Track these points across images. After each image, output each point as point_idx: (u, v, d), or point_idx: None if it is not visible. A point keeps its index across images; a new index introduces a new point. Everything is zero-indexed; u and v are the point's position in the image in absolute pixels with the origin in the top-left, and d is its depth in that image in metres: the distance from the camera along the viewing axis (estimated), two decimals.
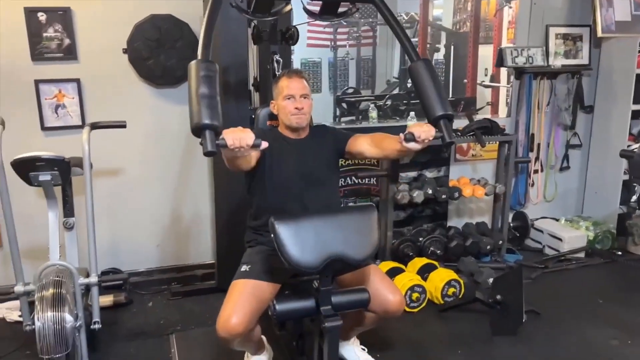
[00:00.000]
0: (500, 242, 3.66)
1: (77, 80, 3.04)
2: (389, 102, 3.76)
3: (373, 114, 3.69)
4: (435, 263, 3.30)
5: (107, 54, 3.06)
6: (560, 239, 3.85)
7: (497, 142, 3.71)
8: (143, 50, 3.06)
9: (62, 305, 2.11)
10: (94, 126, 2.52)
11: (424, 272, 3.21)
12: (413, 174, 3.78)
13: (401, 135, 1.94)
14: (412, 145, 1.94)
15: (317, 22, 3.19)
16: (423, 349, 2.66)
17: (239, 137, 1.71)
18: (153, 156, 3.28)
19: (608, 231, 3.95)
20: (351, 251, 1.90)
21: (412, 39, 3.72)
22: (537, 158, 4.13)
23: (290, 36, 2.48)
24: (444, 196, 3.49)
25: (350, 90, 3.70)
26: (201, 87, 1.70)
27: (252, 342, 2.18)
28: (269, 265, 2.11)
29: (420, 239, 3.54)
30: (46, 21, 2.93)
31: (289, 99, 2.20)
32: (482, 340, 2.74)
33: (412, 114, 3.47)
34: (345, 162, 3.50)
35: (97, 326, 2.39)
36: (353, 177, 3.66)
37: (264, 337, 2.37)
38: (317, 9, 2.43)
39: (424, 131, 1.90)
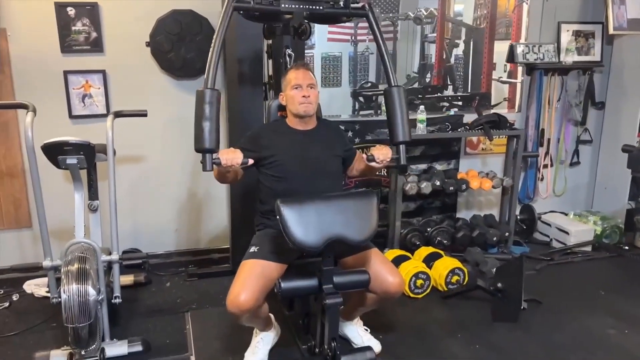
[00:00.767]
0: (507, 234, 3.75)
1: (103, 72, 3.21)
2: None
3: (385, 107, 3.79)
4: (441, 252, 3.41)
5: (131, 47, 3.22)
6: (567, 233, 3.92)
7: (506, 137, 3.79)
8: (165, 44, 3.21)
9: (86, 280, 2.28)
10: (117, 115, 2.68)
11: (430, 260, 3.32)
12: (423, 166, 3.89)
13: (364, 155, 2.33)
14: (374, 165, 2.31)
15: None
16: (424, 332, 2.78)
17: (230, 158, 2.10)
18: (172, 144, 3.44)
19: (616, 226, 4.01)
20: (351, 233, 2.04)
21: (431, 34, 3.83)
22: (547, 153, 4.19)
23: (302, 32, 2.61)
24: (451, 188, 3.59)
25: (368, 85, 3.80)
26: (205, 114, 2.09)
27: (259, 318, 2.33)
28: (276, 246, 2.26)
29: (429, 229, 3.66)
30: (75, 15, 3.10)
31: (296, 88, 2.34)
32: (483, 325, 2.85)
33: (421, 107, 3.57)
34: None
35: (117, 300, 2.56)
36: None
37: (272, 315, 2.51)
38: None
39: (382, 154, 2.28)
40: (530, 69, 3.96)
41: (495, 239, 3.70)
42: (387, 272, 2.27)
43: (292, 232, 1.99)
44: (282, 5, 2.36)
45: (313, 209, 2.04)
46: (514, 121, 3.91)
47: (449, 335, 2.76)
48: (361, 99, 3.80)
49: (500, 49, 3.96)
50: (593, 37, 4.06)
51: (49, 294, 3.11)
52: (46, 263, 2.44)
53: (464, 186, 3.61)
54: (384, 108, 3.75)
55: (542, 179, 4.25)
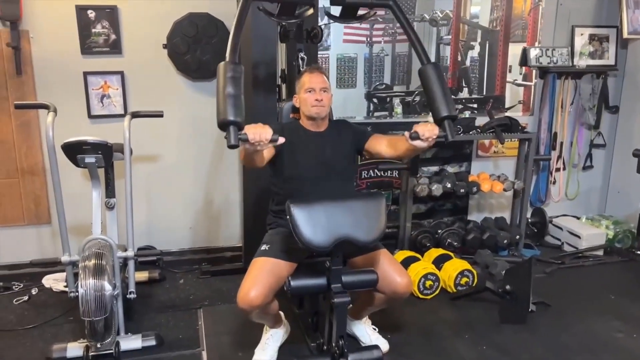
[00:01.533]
0: (518, 236, 3.76)
1: (121, 73, 3.30)
2: (417, 98, 3.88)
3: (398, 109, 3.84)
4: (451, 254, 3.44)
5: (149, 49, 3.30)
6: (578, 236, 3.92)
7: (518, 140, 3.81)
8: (181, 46, 3.29)
9: (102, 275, 2.37)
10: (135, 115, 2.76)
11: (439, 262, 3.35)
12: (435, 168, 3.92)
13: (406, 133, 2.11)
14: (418, 143, 2.11)
15: None
16: (432, 332, 2.81)
17: (259, 132, 1.89)
18: (188, 144, 3.51)
19: (628, 230, 4.00)
20: (359, 234, 2.09)
21: (447, 36, 3.86)
22: (559, 156, 4.19)
23: (314, 35, 2.66)
24: (462, 190, 3.61)
25: (382, 86, 3.83)
26: (228, 86, 1.90)
27: (269, 315, 2.38)
28: (286, 245, 2.31)
29: (439, 231, 3.69)
30: (95, 18, 3.19)
31: (310, 92, 2.38)
32: (490, 327, 2.87)
33: None
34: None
35: (132, 296, 2.64)
36: (375, 170, 3.82)
37: (281, 313, 2.57)
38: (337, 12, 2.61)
39: (428, 130, 2.08)
40: (543, 72, 3.97)
41: (505, 241, 3.71)
42: (396, 272, 2.31)
43: (301, 232, 2.04)
44: None
45: (322, 210, 2.09)
46: (526, 124, 3.92)
47: (456, 336, 2.79)
48: (375, 100, 3.83)
49: (516, 51, 3.96)
50: (607, 41, 4.05)
51: (66, 289, 3.22)
52: (64, 258, 2.52)
53: (475, 189, 3.64)
54: (397, 110, 3.87)
55: (554, 183, 4.25)
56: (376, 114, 3.84)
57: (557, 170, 4.23)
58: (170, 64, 3.35)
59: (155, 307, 3.06)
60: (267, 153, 2.27)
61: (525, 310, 2.86)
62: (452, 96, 3.93)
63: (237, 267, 3.51)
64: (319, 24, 2.70)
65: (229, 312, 2.99)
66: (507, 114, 3.96)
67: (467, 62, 3.94)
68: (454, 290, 3.22)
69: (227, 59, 1.98)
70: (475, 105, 3.99)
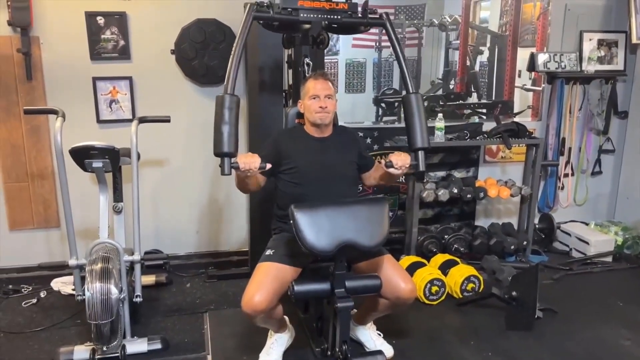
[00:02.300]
0: (525, 242, 3.74)
1: (130, 78, 3.33)
2: (425, 103, 3.87)
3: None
4: (457, 259, 3.43)
5: (157, 55, 3.33)
6: (587, 242, 3.89)
7: (525, 145, 3.79)
8: (189, 51, 3.32)
9: (109, 278, 2.39)
10: (142, 120, 2.79)
11: (445, 267, 3.34)
12: (442, 173, 3.92)
13: (382, 161, 2.34)
14: (392, 171, 2.32)
15: None
16: (437, 338, 2.81)
17: (248, 162, 2.13)
18: (195, 149, 3.53)
19: (638, 236, 3.96)
20: (362, 239, 2.10)
21: (455, 41, 3.85)
22: (567, 162, 4.17)
23: (321, 41, 2.68)
24: (469, 195, 3.61)
25: (390, 91, 3.83)
26: (224, 118, 2.14)
27: (273, 319, 2.38)
28: (291, 250, 2.32)
29: (446, 236, 3.68)
30: (104, 24, 3.23)
31: (314, 98, 2.39)
32: (495, 333, 2.86)
33: (440, 115, 3.60)
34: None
35: (138, 299, 2.66)
36: None
37: (286, 318, 2.57)
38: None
39: (401, 159, 2.29)
40: (551, 77, 3.96)
41: (513, 247, 3.70)
42: (400, 278, 2.31)
43: (305, 237, 2.06)
44: (301, 15, 2.43)
45: (325, 215, 2.10)
46: (533, 130, 3.90)
47: (462, 342, 2.78)
48: (383, 105, 3.83)
49: (525, 56, 3.94)
50: (616, 46, 4.03)
51: (74, 292, 3.26)
52: (72, 262, 2.55)
53: (481, 194, 3.63)
54: (402, 115, 3.86)
55: (562, 188, 4.23)
56: (385, 118, 3.84)
57: (566, 175, 4.20)
58: (178, 70, 3.38)
59: (162, 311, 3.08)
60: (261, 179, 2.39)
61: (532, 317, 2.85)
62: (461, 101, 3.94)
63: (244, 271, 3.53)
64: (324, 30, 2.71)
65: (234, 316, 3.00)
66: (516, 119, 3.95)
67: (477, 67, 3.93)
68: (460, 296, 3.21)
69: (225, 91, 2.18)
70: (484, 110, 3.98)
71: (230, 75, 2.22)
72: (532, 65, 3.89)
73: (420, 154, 2.41)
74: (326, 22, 2.51)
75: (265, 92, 3.19)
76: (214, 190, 3.65)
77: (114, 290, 2.40)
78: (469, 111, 3.96)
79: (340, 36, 3.57)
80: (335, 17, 2.49)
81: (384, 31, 3.64)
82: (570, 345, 2.75)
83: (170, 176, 3.54)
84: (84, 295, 2.40)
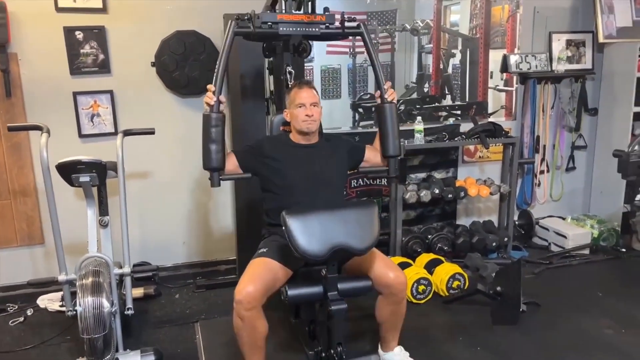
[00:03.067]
0: (506, 239, 3.84)
1: (111, 92, 3.33)
2: (402, 107, 3.96)
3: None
4: (442, 258, 3.51)
5: (137, 67, 3.35)
6: (565, 237, 4.02)
7: (502, 144, 3.90)
8: (169, 63, 3.33)
9: (100, 292, 2.38)
10: (127, 133, 2.79)
11: (431, 266, 3.42)
12: (422, 175, 4.00)
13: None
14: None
15: None
16: (426, 336, 2.87)
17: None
18: (179, 160, 3.55)
19: (613, 229, 4.10)
20: (354, 242, 2.14)
21: (428, 45, 3.94)
22: (543, 159, 4.30)
23: (303, 49, 2.73)
24: (450, 195, 3.69)
25: (367, 96, 3.90)
26: (211, 136, 2.35)
27: (257, 333, 2.23)
28: (283, 252, 2.33)
29: (429, 236, 3.76)
30: (83, 39, 3.23)
31: (300, 107, 2.44)
32: (483, 328, 2.93)
33: (419, 118, 3.69)
34: None
35: (130, 312, 2.65)
36: (365, 179, 3.89)
37: None
38: None
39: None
40: (523, 78, 4.08)
41: (494, 244, 3.79)
42: (387, 268, 2.34)
43: (297, 242, 2.09)
44: (281, 29, 2.46)
45: (317, 220, 2.14)
46: (509, 129, 4.02)
47: (451, 338, 2.85)
48: (360, 110, 3.89)
49: (497, 57, 4.07)
50: (584, 46, 4.18)
51: (62, 308, 3.23)
52: (61, 277, 2.54)
53: (462, 193, 3.72)
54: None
55: (539, 185, 4.36)
56: (362, 123, 3.90)
57: (542, 172, 4.33)
58: (159, 82, 3.40)
59: (152, 323, 3.08)
60: (231, 166, 2.52)
61: (517, 311, 2.93)
62: (436, 104, 4.02)
63: (232, 279, 3.53)
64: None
65: (226, 324, 2.96)
66: (491, 119, 4.06)
67: (449, 70, 4.03)
68: (446, 294, 3.28)
69: (209, 110, 2.36)
70: (458, 112, 4.08)
71: (215, 92, 2.35)
72: (504, 67, 4.01)
73: (392, 160, 2.59)
74: (305, 34, 2.56)
75: (247, 100, 3.22)
76: (198, 200, 3.66)
77: (106, 304, 2.39)
78: (445, 113, 4.05)
79: (315, 43, 3.62)
80: (314, 29, 2.53)
81: (357, 37, 3.79)
82: (556, 336, 2.84)
83: (154, 188, 3.54)
84: (75, 310, 2.39)
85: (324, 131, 2.73)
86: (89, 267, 2.49)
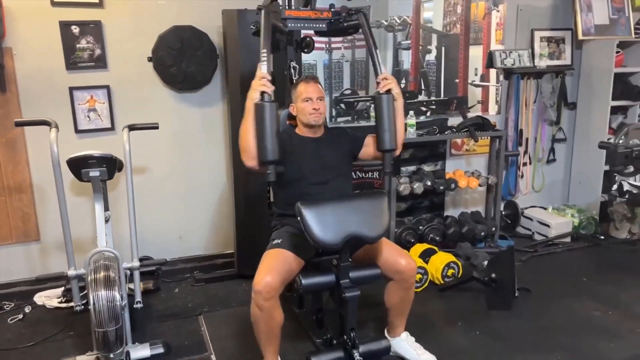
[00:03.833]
0: (494, 228, 3.99)
1: (107, 87, 3.32)
2: None
3: (374, 113, 3.97)
4: (435, 248, 3.62)
5: (134, 62, 3.34)
6: (548, 226, 4.19)
7: (489, 137, 4.04)
8: (166, 59, 3.34)
9: (113, 286, 2.40)
10: (132, 128, 2.81)
11: (425, 256, 3.53)
12: (412, 168, 4.10)
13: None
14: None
15: None
16: (427, 322, 2.97)
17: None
18: (176, 154, 3.56)
19: (591, 217, 4.30)
20: (366, 230, 2.23)
21: (405, 41, 4.02)
22: (525, 152, 4.46)
23: (307, 45, 2.79)
24: (441, 187, 3.81)
25: (348, 92, 3.95)
26: (268, 126, 2.21)
27: (274, 322, 2.28)
28: (295, 242, 2.40)
29: (421, 227, 3.87)
30: (79, 33, 3.21)
31: (307, 101, 2.50)
32: (479, 314, 3.06)
33: (411, 112, 3.79)
34: None
35: (139, 305, 2.68)
36: (357, 172, 3.97)
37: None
38: None
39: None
40: (508, 73, 4.23)
41: (483, 233, 3.93)
42: (397, 255, 2.43)
43: (313, 232, 2.16)
44: (289, 25, 2.52)
45: (331, 210, 2.22)
46: (494, 123, 4.15)
47: (450, 324, 2.96)
48: (342, 105, 3.94)
49: (474, 53, 4.18)
50: (564, 43, 4.35)
51: (61, 305, 3.23)
52: (71, 272, 2.53)
53: (453, 185, 3.84)
54: (372, 114, 4.02)
55: (522, 176, 4.52)
56: (340, 118, 3.93)
57: (525, 164, 4.50)
58: (156, 77, 3.40)
59: (156, 317, 3.10)
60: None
61: (512, 296, 3.07)
62: (414, 99, 4.11)
63: (231, 273, 3.59)
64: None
65: (230, 316, 3.07)
66: (471, 113, 4.17)
67: (424, 66, 4.11)
68: (442, 282, 3.40)
69: (263, 98, 2.25)
70: (434, 107, 4.17)
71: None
72: (490, 63, 4.15)
73: (387, 155, 2.50)
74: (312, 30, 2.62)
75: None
76: (195, 194, 3.68)
77: (118, 297, 2.41)
78: (424, 108, 4.15)
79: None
80: (320, 25, 2.59)
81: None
82: (548, 319, 2.99)
83: (152, 183, 3.54)
84: (83, 305, 2.41)
85: None
86: (100, 261, 2.49)
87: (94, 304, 2.35)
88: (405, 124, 3.71)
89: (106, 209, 2.94)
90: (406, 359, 2.61)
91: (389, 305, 2.55)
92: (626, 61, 4.34)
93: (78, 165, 2.45)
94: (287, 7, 2.64)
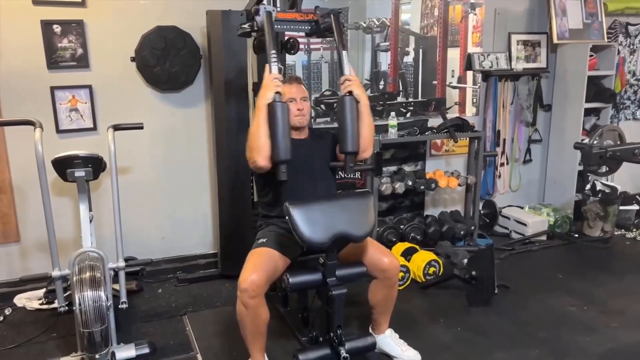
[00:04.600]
0: (473, 227, 4.08)
1: (89, 87, 3.29)
2: None
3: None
4: (416, 247, 3.69)
5: (117, 62, 3.32)
6: (525, 224, 4.30)
7: (468, 138, 4.12)
8: (150, 59, 3.32)
9: (99, 286, 2.40)
10: (116, 128, 2.80)
11: (407, 254, 3.59)
12: (393, 168, 4.16)
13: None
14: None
15: None
16: (409, 319, 3.03)
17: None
18: (158, 155, 3.55)
19: (566, 216, 4.42)
20: (353, 229, 2.26)
21: (383, 43, 4.07)
22: (503, 152, 4.57)
23: (292, 46, 2.82)
24: (422, 187, 3.88)
25: (328, 93, 3.98)
26: (281, 126, 2.23)
27: (259, 320, 2.30)
28: (281, 242, 2.43)
29: (402, 226, 3.94)
30: (61, 33, 3.18)
31: (291, 102, 2.52)
32: (460, 310, 3.14)
33: (392, 113, 3.84)
34: None
35: (124, 305, 2.67)
36: (340, 172, 4.00)
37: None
38: None
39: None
40: (486, 75, 4.32)
41: (462, 232, 4.01)
42: (382, 254, 2.48)
43: (301, 231, 2.18)
44: (276, 27, 2.53)
45: (319, 209, 2.25)
46: (473, 124, 4.25)
47: (433, 320, 3.03)
48: (322, 106, 3.96)
49: (449, 55, 4.25)
50: (539, 46, 4.47)
51: (42, 307, 3.20)
52: (55, 273, 2.52)
53: (433, 185, 3.91)
54: None
55: (499, 176, 4.63)
56: (319, 119, 3.94)
57: (502, 165, 4.61)
58: (139, 77, 3.39)
59: (140, 317, 3.09)
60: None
61: (491, 293, 3.15)
62: (393, 101, 4.17)
63: (214, 273, 3.60)
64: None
65: (215, 316, 3.08)
66: (449, 115, 4.24)
67: (402, 67, 4.16)
68: (423, 280, 3.46)
69: (275, 98, 2.25)
70: (412, 108, 4.23)
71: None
72: (469, 65, 4.24)
73: (348, 157, 2.43)
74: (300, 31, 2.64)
75: (231, 96, 3.28)
76: (178, 195, 3.67)
77: (104, 297, 2.41)
78: (404, 109, 4.21)
79: None
80: (306, 27, 2.62)
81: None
82: (526, 314, 3.08)
83: (134, 183, 3.52)
84: (67, 306, 2.39)
85: None
86: (85, 262, 2.48)
87: (79, 304, 2.35)
88: (387, 124, 3.77)
89: (89, 209, 2.93)
90: (391, 355, 2.65)
91: (373, 303, 2.60)
92: (599, 64, 4.49)
93: (63, 166, 2.43)
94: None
